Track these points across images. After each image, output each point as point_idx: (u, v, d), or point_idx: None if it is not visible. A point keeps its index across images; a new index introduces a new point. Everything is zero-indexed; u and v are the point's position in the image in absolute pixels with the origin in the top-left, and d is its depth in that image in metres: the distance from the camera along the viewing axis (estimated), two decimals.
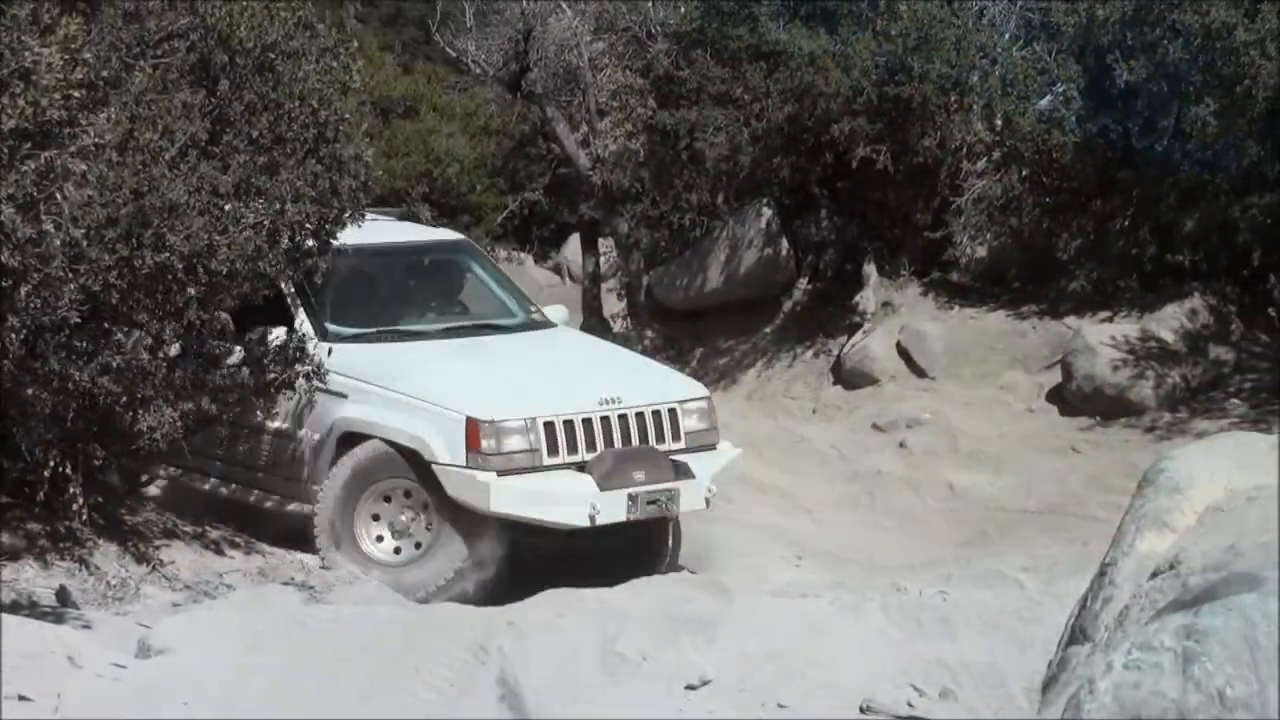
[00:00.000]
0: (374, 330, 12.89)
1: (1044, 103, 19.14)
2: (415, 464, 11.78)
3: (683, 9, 22.58)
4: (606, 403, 12.07)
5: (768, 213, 21.50)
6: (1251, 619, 5.71)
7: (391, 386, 12.01)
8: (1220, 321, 17.72)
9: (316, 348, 12.13)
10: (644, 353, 17.53)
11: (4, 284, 8.88)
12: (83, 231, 9.03)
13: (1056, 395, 17.46)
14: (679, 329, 21.46)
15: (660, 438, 12.25)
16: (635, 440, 12.09)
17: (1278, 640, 5.69)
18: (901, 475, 16.06)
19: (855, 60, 19.51)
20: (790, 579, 12.66)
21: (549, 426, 11.73)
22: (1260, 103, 17.20)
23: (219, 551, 11.69)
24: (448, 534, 11.70)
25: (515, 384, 12.37)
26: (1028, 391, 17.78)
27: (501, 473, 11.49)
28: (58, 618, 9.60)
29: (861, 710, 8.14)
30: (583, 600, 9.69)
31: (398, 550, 11.91)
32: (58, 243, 8.88)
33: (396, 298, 13.83)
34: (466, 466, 11.51)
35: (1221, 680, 5.55)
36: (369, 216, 14.32)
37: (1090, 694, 5.74)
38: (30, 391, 9.68)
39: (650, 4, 22.90)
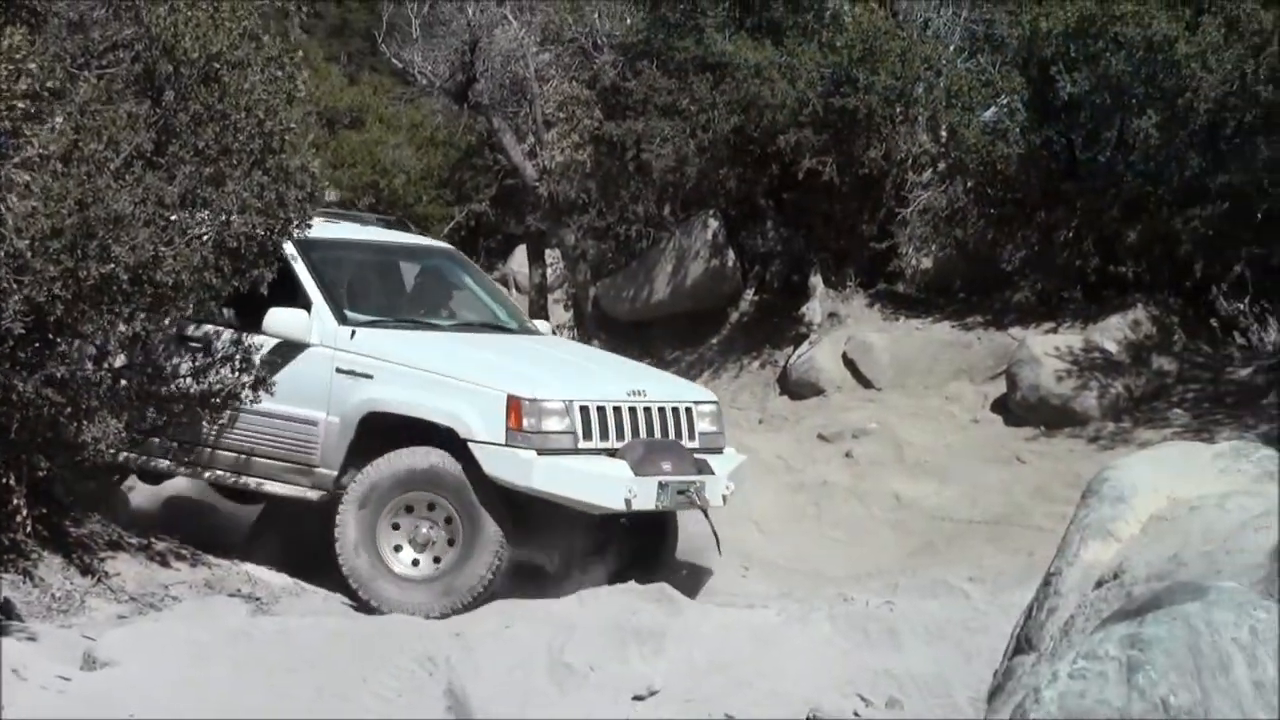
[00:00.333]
0: (391, 318, 12.86)
1: (988, 114, 19.23)
2: (433, 470, 11.69)
3: (629, 20, 22.59)
4: (634, 394, 12.18)
5: (714, 224, 21.53)
6: (1195, 628, 5.74)
7: (422, 366, 11.91)
8: (1163, 332, 17.82)
9: (338, 331, 12.14)
10: None
11: None
12: (27, 242, 8.99)
13: (1001, 406, 17.51)
14: (626, 340, 21.44)
15: (679, 434, 12.36)
16: (659, 433, 12.19)
17: (1221, 649, 5.72)
18: (847, 486, 16.09)
19: (801, 72, 19.55)
20: (737, 590, 12.69)
21: (584, 411, 11.76)
22: (1201, 115, 17.32)
23: (164, 563, 11.64)
24: (482, 525, 11.58)
25: (548, 369, 12.40)
26: (973, 402, 17.83)
27: (540, 452, 11.46)
28: (1, 630, 9.54)
29: None
30: (530, 611, 9.71)
31: (416, 562, 11.78)
32: (1, 254, 8.84)
33: (402, 294, 13.84)
34: (506, 444, 11.45)
35: (1165, 689, 5.58)
36: (364, 220, 14.43)
37: (1036, 703, 5.76)
38: None
39: (596, 15, 22.91)
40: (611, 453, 11.83)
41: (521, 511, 11.72)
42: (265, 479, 12.38)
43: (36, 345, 9.83)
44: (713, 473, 12.24)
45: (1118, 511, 7.52)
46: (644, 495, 11.75)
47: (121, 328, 10.08)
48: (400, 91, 30.28)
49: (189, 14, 10.44)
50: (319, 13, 32.86)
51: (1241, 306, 18.89)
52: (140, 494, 13.78)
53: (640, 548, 12.76)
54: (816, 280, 20.37)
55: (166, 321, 10.71)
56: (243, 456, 12.39)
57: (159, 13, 10.42)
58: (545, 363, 12.69)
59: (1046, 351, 17.22)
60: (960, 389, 18.13)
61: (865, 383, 18.75)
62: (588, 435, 11.75)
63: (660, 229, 22.02)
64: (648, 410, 12.16)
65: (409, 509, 11.78)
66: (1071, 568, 7.48)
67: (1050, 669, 5.97)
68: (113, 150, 9.76)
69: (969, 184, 19.83)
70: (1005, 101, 19.04)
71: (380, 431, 11.92)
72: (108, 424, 10.20)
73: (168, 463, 12.62)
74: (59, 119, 9.45)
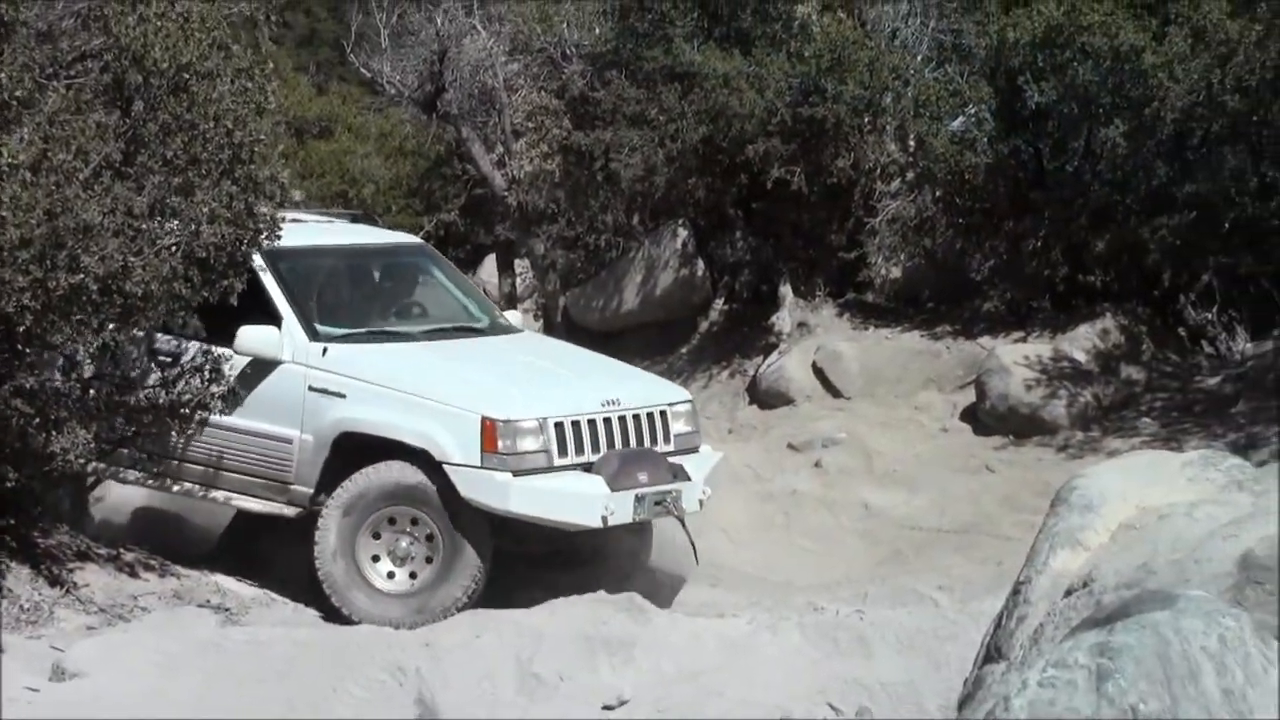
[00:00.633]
0: (363, 331, 12.71)
1: (956, 124, 19.27)
2: (420, 487, 11.63)
3: (598, 30, 22.62)
4: (608, 404, 12.08)
5: (683, 234, 21.56)
6: (1164, 636, 5.76)
7: (396, 386, 11.80)
8: (1131, 341, 17.88)
9: (309, 348, 12.06)
10: None
11: None
12: None
13: (970, 415, 17.55)
14: (595, 349, 21.40)
15: (654, 439, 12.29)
16: (633, 442, 12.11)
17: (1190, 657, 5.74)
18: (817, 495, 16.10)
19: (769, 81, 19.59)
20: (707, 599, 12.68)
21: (559, 427, 11.68)
22: (1168, 124, 17.40)
23: (133, 574, 11.60)
24: (462, 548, 11.52)
25: (522, 385, 12.26)
26: (942, 411, 17.86)
27: (516, 473, 11.40)
28: None
29: None
30: (499, 621, 9.69)
31: (391, 575, 11.71)
32: None
33: (374, 299, 13.70)
34: (481, 467, 11.38)
35: (1135, 697, 5.60)
36: (327, 218, 14.30)
37: (1005, 711, 5.78)
38: None
39: (565, 25, 22.92)
40: (587, 466, 11.79)
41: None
42: (241, 495, 12.34)
43: (5, 355, 9.80)
44: (689, 479, 12.19)
45: (1087, 520, 7.54)
46: (621, 510, 11.70)
47: (90, 338, 10.06)
48: (369, 101, 30.25)
49: (158, 24, 10.41)
50: (288, 23, 32.86)
51: (1209, 316, 18.95)
52: (108, 505, 13.71)
53: (616, 551, 12.78)
54: (786, 290, 20.40)
55: (136, 331, 10.70)
56: (221, 472, 12.34)
57: (128, 23, 10.39)
58: (519, 375, 12.55)
59: (1015, 361, 17.27)
60: (929, 398, 18.17)
61: (834, 392, 18.77)
62: (563, 452, 11.68)
63: (629, 239, 22.06)
64: (622, 419, 12.09)
65: (391, 521, 11.71)
66: (1041, 576, 7.49)
67: (1020, 677, 5.98)
68: (82, 160, 9.74)
69: (937, 193, 19.88)
70: (973, 111, 19.10)
71: (356, 449, 11.86)
72: (76, 434, 10.18)
73: (140, 477, 12.57)
74: (27, 129, 9.43)
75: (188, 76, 10.52)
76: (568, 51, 22.86)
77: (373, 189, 29.98)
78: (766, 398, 19.32)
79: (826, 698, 8.49)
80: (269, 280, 12.11)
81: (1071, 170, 18.75)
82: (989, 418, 17.22)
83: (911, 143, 20.13)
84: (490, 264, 28.88)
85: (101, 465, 12.07)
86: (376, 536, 11.71)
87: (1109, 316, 18.04)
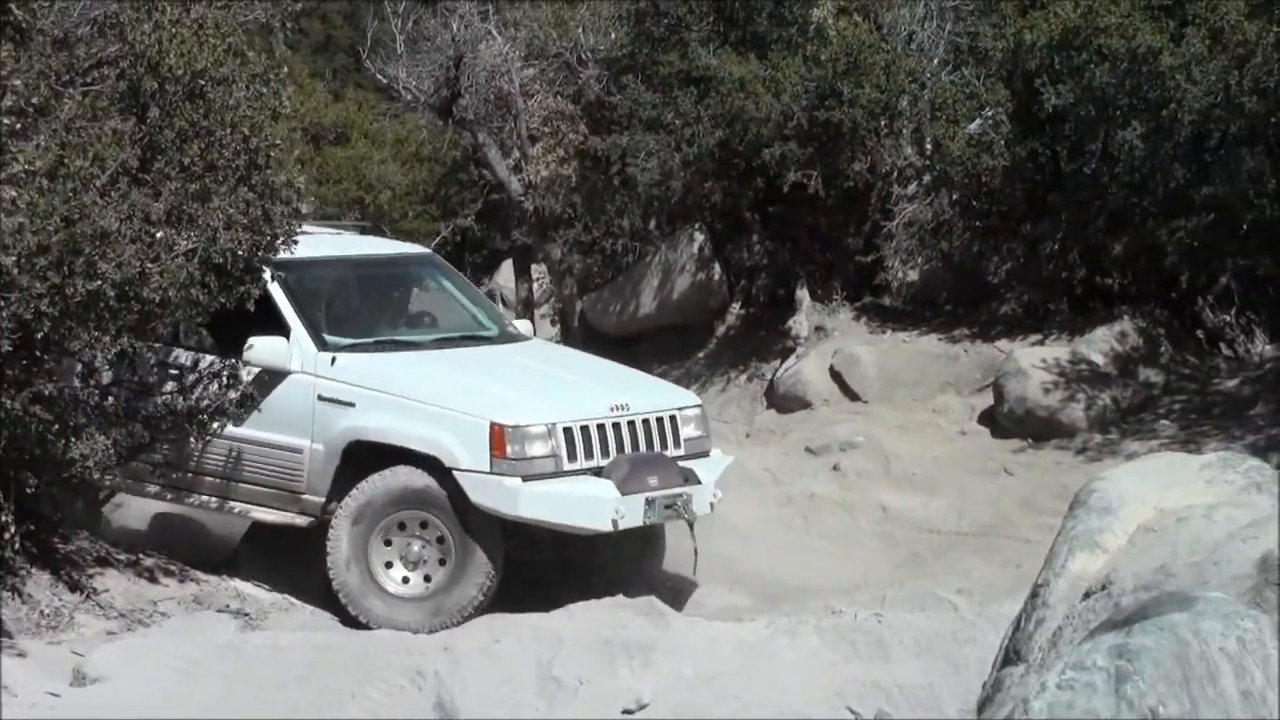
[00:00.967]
0: (371, 340, 12.73)
1: (973, 127, 19.23)
2: (428, 490, 11.66)
3: (613, 35, 22.62)
4: (617, 409, 12.10)
5: (700, 238, 21.54)
6: (1183, 638, 5.75)
7: (405, 394, 11.85)
8: (1149, 344, 17.85)
9: (318, 357, 12.07)
10: None
11: None
12: (14, 259, 8.99)
13: (988, 418, 17.53)
14: (612, 354, 21.26)
15: (664, 444, 12.31)
16: (643, 446, 12.13)
17: (1208, 659, 5.73)
18: (835, 498, 16.08)
19: (785, 85, 19.58)
20: (725, 603, 12.68)
21: (568, 432, 11.70)
22: (1186, 126, 17.35)
23: (153, 579, 11.62)
24: (473, 549, 11.55)
25: (530, 390, 12.33)
26: (960, 414, 17.84)
27: (525, 478, 11.44)
28: None
29: None
30: (518, 625, 9.70)
31: (406, 580, 11.75)
32: None
33: (382, 309, 13.73)
34: (491, 473, 11.41)
35: (1154, 699, 5.59)
36: (336, 231, 14.34)
37: (1024, 714, 5.77)
38: None
39: (581, 30, 22.93)
40: (597, 471, 11.81)
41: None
42: (254, 505, 12.37)
43: (24, 362, 9.82)
44: (699, 482, 12.21)
45: (1105, 523, 7.54)
46: (631, 514, 11.72)
47: (108, 345, 10.08)
48: (385, 107, 30.25)
49: (174, 31, 10.43)
50: (303, 29, 32.88)
51: (1228, 318, 18.93)
52: (127, 511, 13.74)
53: (627, 557, 12.80)
54: (803, 293, 20.38)
55: (154, 338, 10.72)
56: (233, 484, 12.37)
57: (144, 30, 10.42)
58: (527, 381, 12.61)
59: (1033, 363, 17.24)
60: (947, 401, 18.15)
61: (852, 395, 18.76)
62: (572, 456, 11.70)
63: (646, 243, 22.05)
64: (631, 424, 12.11)
65: (402, 526, 11.73)
66: (1059, 579, 7.49)
67: (1039, 680, 5.98)
68: (98, 167, 9.76)
69: (954, 196, 19.86)
70: (990, 114, 19.05)
71: (366, 457, 11.90)
72: (95, 441, 10.19)
73: (160, 490, 12.61)
74: (44, 136, 9.45)
75: (203, 83, 10.54)
76: (583, 56, 22.87)
77: (389, 195, 29.98)
78: (784, 401, 19.31)
79: (845, 701, 8.49)
80: (277, 291, 12.10)
81: (1089, 172, 18.70)
82: (1007, 420, 17.20)
83: (928, 146, 20.11)
84: (507, 269, 28.88)
85: (119, 479, 12.11)
86: (388, 543, 11.73)
87: (1127, 319, 18.01)
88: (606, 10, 22.94)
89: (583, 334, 22.55)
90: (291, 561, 12.17)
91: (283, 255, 11.43)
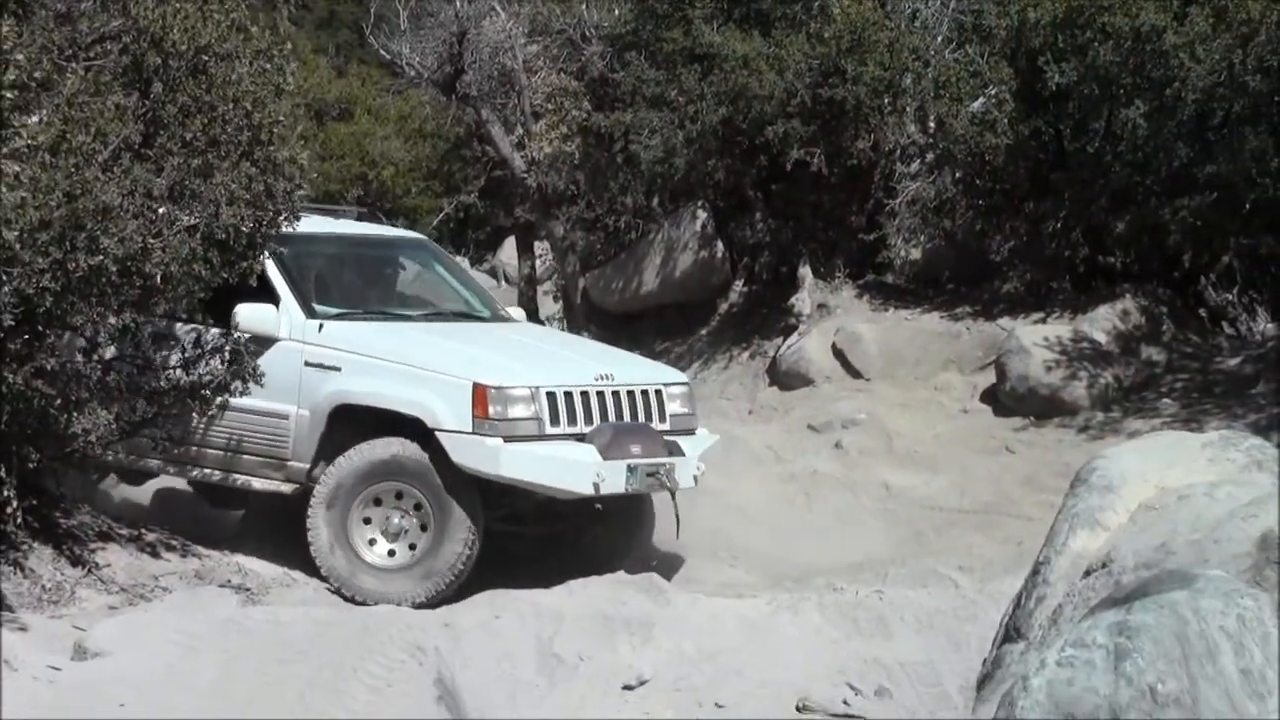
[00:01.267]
0: (359, 310, 12.89)
1: (976, 105, 19.23)
2: (395, 459, 11.77)
3: (617, 11, 22.62)
4: (602, 378, 12.20)
5: (703, 215, 21.55)
6: (1182, 616, 5.76)
7: (389, 358, 11.96)
8: (1152, 322, 17.85)
9: (305, 324, 12.17)
10: None
11: None
12: (16, 234, 8.99)
13: (991, 396, 17.54)
14: (615, 331, 21.45)
15: (649, 417, 12.40)
16: (627, 416, 12.23)
17: (1208, 637, 5.74)
18: (837, 476, 16.09)
19: (789, 63, 19.56)
20: (726, 579, 12.71)
21: (551, 396, 11.80)
22: (1189, 105, 17.35)
23: (155, 554, 11.63)
24: (450, 506, 11.66)
25: (514, 356, 12.44)
26: (962, 392, 17.86)
27: (507, 439, 11.52)
28: None
29: (798, 709, 8.18)
30: (518, 601, 9.70)
31: (392, 553, 11.85)
32: None
33: (372, 286, 13.88)
34: (473, 433, 11.50)
35: (1153, 676, 5.60)
36: (336, 214, 14.42)
37: (1024, 691, 5.79)
38: None
39: (584, 7, 22.94)
40: (580, 437, 11.88)
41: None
42: (239, 473, 12.44)
43: (26, 337, 9.82)
44: (683, 454, 12.30)
45: (1106, 501, 7.54)
46: (612, 479, 11.81)
47: (111, 319, 10.08)
48: (388, 83, 30.30)
49: (177, 6, 10.42)
50: (307, 5, 32.93)
51: (1230, 296, 18.95)
52: (128, 487, 13.77)
53: (615, 532, 12.92)
54: (805, 271, 20.39)
55: (156, 313, 10.73)
56: (217, 452, 12.45)
57: (147, 4, 10.40)
58: (512, 350, 12.74)
59: (1035, 342, 17.25)
60: (949, 379, 18.17)
61: (854, 373, 18.77)
62: (555, 421, 11.80)
63: (649, 220, 22.05)
64: (616, 394, 12.22)
65: (377, 501, 11.87)
66: (1060, 557, 7.50)
67: (1039, 657, 5.99)
68: (101, 142, 9.75)
69: (957, 175, 19.87)
70: (993, 92, 19.05)
71: (351, 423, 12.00)
72: (97, 415, 10.20)
73: (148, 461, 12.64)
74: (46, 110, 9.45)
75: (206, 58, 10.53)
76: (587, 33, 22.87)
77: (392, 171, 30.05)
78: (786, 379, 19.32)
79: (846, 677, 8.50)
80: (268, 263, 12.13)
81: (1092, 151, 18.70)
82: (1009, 399, 17.21)
83: (931, 124, 20.10)
84: (510, 246, 28.95)
85: (118, 456, 12.14)
86: (367, 520, 11.89)
87: (1129, 298, 18.01)
88: None
89: (585, 311, 22.58)
90: (293, 536, 12.18)
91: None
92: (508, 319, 13.84)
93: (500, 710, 8.26)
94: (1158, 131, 17.62)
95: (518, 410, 11.64)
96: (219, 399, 11.58)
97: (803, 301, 20.07)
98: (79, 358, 10.69)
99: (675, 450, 12.27)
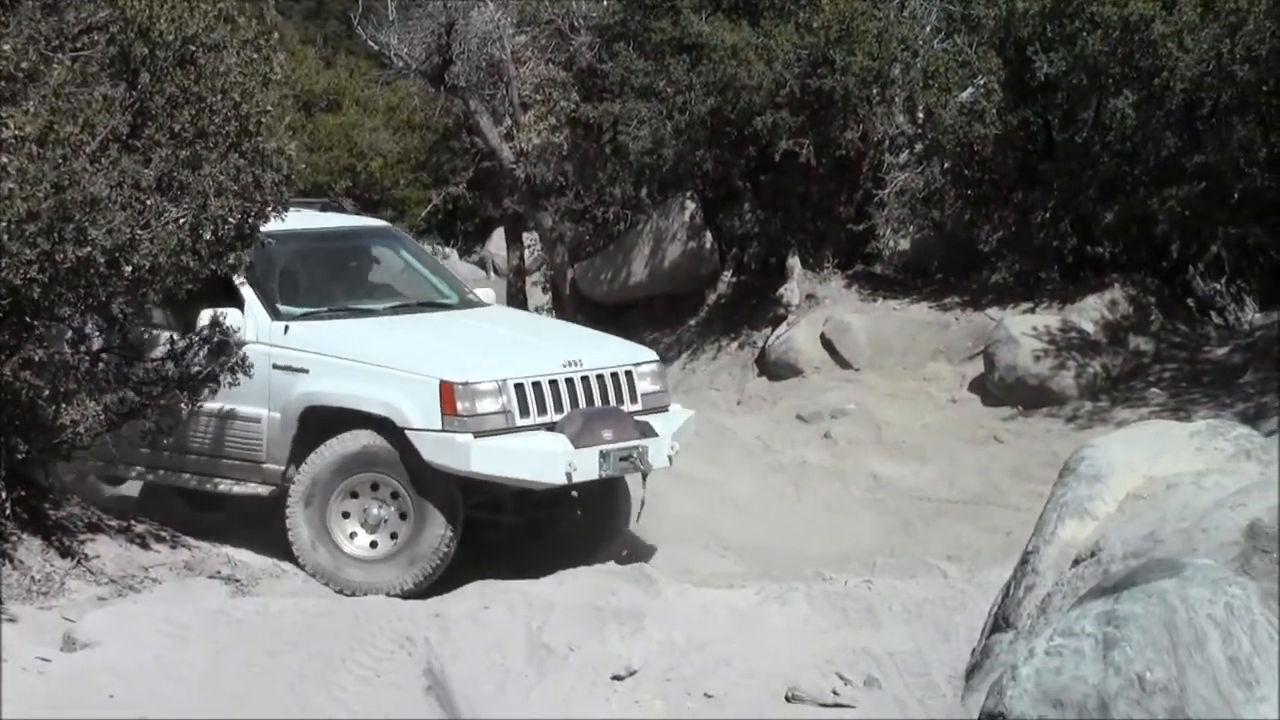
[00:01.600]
0: (324, 309, 12.89)
1: (965, 95, 19.24)
2: (366, 451, 11.79)
3: (605, 2, 22.59)
4: (570, 365, 12.22)
5: (691, 206, 21.55)
6: (1171, 605, 5.78)
7: (356, 358, 12.00)
8: (1140, 312, 17.88)
9: (271, 327, 12.19)
10: None
11: None
12: (3, 225, 8.97)
13: (979, 386, 17.56)
14: (604, 322, 21.39)
15: (620, 399, 12.41)
16: (598, 401, 12.25)
17: (1196, 625, 5.75)
18: (826, 466, 16.10)
19: (777, 53, 19.56)
20: (716, 569, 12.71)
21: (519, 388, 11.82)
22: (1178, 95, 17.37)
23: (144, 545, 11.63)
24: (429, 494, 11.71)
25: (481, 349, 12.46)
26: (951, 382, 17.87)
27: (477, 434, 11.54)
28: None
29: (787, 699, 8.18)
30: (508, 592, 9.69)
31: (374, 544, 11.90)
32: None
33: (337, 280, 13.85)
34: (443, 430, 11.53)
35: (1141, 665, 5.62)
36: (294, 208, 14.37)
37: (1013, 680, 5.80)
38: None
39: None
40: (550, 426, 11.90)
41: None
42: (216, 477, 12.49)
43: (13, 328, 9.81)
44: (656, 435, 12.33)
45: (1095, 490, 7.56)
46: (585, 466, 11.85)
47: (99, 311, 10.08)
48: (377, 74, 30.24)
49: None
50: None
51: (1218, 286, 18.97)
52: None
53: (592, 517, 13.02)
54: (794, 262, 20.40)
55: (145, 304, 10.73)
56: (194, 458, 12.51)
57: None
58: (479, 341, 12.76)
59: (1024, 332, 17.26)
60: (938, 369, 18.18)
61: (843, 363, 18.78)
62: (524, 412, 11.83)
63: (638, 211, 22.05)
64: (585, 379, 12.24)
65: (354, 494, 11.93)
66: (1049, 546, 7.52)
67: (1027, 646, 6.00)
68: (88, 133, 9.73)
69: (946, 165, 19.88)
70: (982, 82, 19.06)
71: (322, 423, 12.03)
72: (86, 406, 10.20)
73: (122, 466, 12.73)
74: (33, 101, 9.42)
75: (194, 48, 10.50)
76: (575, 23, 22.85)
77: (380, 162, 30.03)
78: (775, 369, 19.33)
79: (835, 667, 8.49)
80: None
81: (1080, 141, 18.72)
82: (997, 389, 17.23)
83: (920, 114, 20.12)
84: (499, 237, 28.93)
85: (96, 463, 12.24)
86: (345, 515, 11.94)
87: (1117, 287, 18.04)
88: None
89: (574, 302, 22.58)
90: (280, 528, 12.18)
91: None
92: (477, 303, 13.83)
93: (489, 700, 8.26)
94: (1146, 121, 17.65)
95: (486, 405, 11.67)
96: (203, 393, 11.58)
97: (791, 292, 20.07)
98: (67, 349, 10.68)
99: (648, 431, 12.29)
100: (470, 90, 23.59)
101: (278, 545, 12.17)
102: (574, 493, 12.72)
